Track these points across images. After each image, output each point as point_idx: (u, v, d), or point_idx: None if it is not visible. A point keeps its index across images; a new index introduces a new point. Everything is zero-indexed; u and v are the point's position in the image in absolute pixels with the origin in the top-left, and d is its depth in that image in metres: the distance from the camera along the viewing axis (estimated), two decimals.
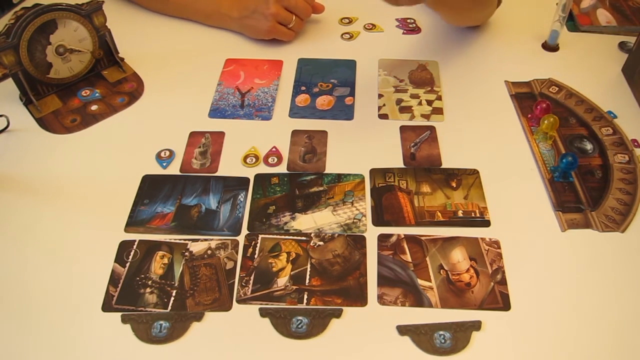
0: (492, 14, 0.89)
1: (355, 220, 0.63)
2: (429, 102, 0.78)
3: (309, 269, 0.59)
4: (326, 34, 0.91)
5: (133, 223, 0.63)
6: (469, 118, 0.76)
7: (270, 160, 0.70)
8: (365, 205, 0.65)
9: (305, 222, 0.63)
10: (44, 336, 0.53)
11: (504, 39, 0.89)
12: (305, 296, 0.57)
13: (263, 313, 0.55)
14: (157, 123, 0.75)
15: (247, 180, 0.68)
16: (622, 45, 0.88)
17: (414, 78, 0.82)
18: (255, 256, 0.60)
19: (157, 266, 0.59)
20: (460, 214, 0.64)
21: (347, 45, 0.89)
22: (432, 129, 0.74)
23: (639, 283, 0.57)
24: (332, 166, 0.69)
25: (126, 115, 0.77)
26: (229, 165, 0.70)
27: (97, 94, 0.79)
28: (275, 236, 0.62)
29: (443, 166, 0.69)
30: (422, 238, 0.61)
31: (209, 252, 0.61)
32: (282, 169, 0.69)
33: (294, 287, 0.57)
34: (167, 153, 0.71)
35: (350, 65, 0.85)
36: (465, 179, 0.68)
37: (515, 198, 0.65)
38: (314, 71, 0.84)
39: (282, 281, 0.58)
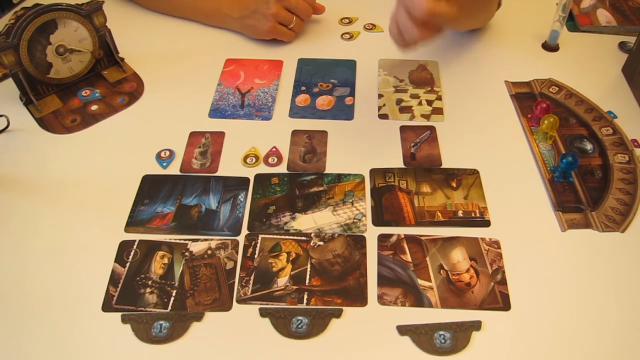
0: (491, 17, 0.89)
1: (355, 220, 0.63)
2: (429, 102, 0.78)
3: (309, 269, 0.59)
4: (326, 34, 0.91)
5: (133, 223, 0.63)
6: (469, 118, 0.76)
7: (270, 160, 0.70)
8: (365, 205, 0.65)
9: (305, 222, 0.63)
10: (44, 336, 0.53)
11: (504, 39, 0.89)
12: (305, 296, 0.57)
13: (263, 313, 0.55)
14: (157, 123, 0.75)
15: (247, 180, 0.68)
16: (622, 45, 0.88)
17: (414, 78, 0.82)
18: (255, 256, 0.60)
19: (157, 266, 0.59)
20: (460, 214, 0.64)
21: (347, 45, 0.89)
22: (432, 129, 0.74)
23: (639, 283, 0.57)
24: (332, 166, 0.69)
25: (126, 115, 0.77)
26: (229, 165, 0.70)
27: (97, 94, 0.79)
28: (275, 236, 0.62)
29: (443, 166, 0.69)
30: (422, 238, 0.61)
31: (209, 252, 0.61)
32: (282, 169, 0.69)
33: (294, 287, 0.57)
34: (167, 153, 0.71)
35: (350, 65, 0.85)
36: (465, 179, 0.68)
37: (515, 198, 0.65)
38: (314, 71, 0.84)
39: (282, 281, 0.58)
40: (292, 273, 0.58)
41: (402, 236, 0.62)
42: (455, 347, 0.52)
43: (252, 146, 0.72)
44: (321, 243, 0.61)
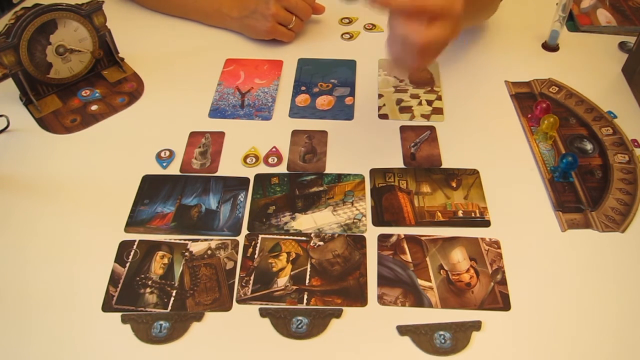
0: (496, 10, 0.88)
1: (355, 220, 0.63)
2: (429, 102, 0.78)
3: (309, 269, 0.59)
4: (326, 34, 0.91)
5: (133, 223, 0.63)
6: (469, 118, 0.76)
7: (270, 160, 0.70)
8: (365, 205, 0.65)
9: (305, 222, 0.63)
10: (44, 336, 0.53)
11: (504, 39, 0.89)
12: (305, 296, 0.57)
13: (263, 313, 0.55)
14: (157, 123, 0.75)
15: (247, 180, 0.68)
16: (622, 45, 0.88)
17: (414, 78, 0.82)
18: (255, 256, 0.60)
19: (157, 266, 0.59)
20: (460, 214, 0.64)
21: (347, 45, 0.89)
22: (432, 129, 0.74)
23: (639, 283, 0.57)
24: (332, 166, 0.69)
25: (126, 115, 0.77)
26: (229, 165, 0.70)
27: (97, 94, 0.79)
28: (275, 236, 0.62)
29: (443, 166, 0.69)
30: (422, 238, 0.61)
31: (209, 252, 0.61)
32: (282, 169, 0.69)
33: (294, 287, 0.57)
34: (167, 153, 0.71)
35: (350, 65, 0.85)
36: (465, 179, 0.68)
37: (515, 198, 0.65)
38: (314, 71, 0.84)
39: (282, 281, 0.58)
40: (292, 273, 0.58)
41: (402, 236, 0.62)
42: (455, 347, 0.52)
43: (252, 146, 0.72)
44: (321, 243, 0.61)
